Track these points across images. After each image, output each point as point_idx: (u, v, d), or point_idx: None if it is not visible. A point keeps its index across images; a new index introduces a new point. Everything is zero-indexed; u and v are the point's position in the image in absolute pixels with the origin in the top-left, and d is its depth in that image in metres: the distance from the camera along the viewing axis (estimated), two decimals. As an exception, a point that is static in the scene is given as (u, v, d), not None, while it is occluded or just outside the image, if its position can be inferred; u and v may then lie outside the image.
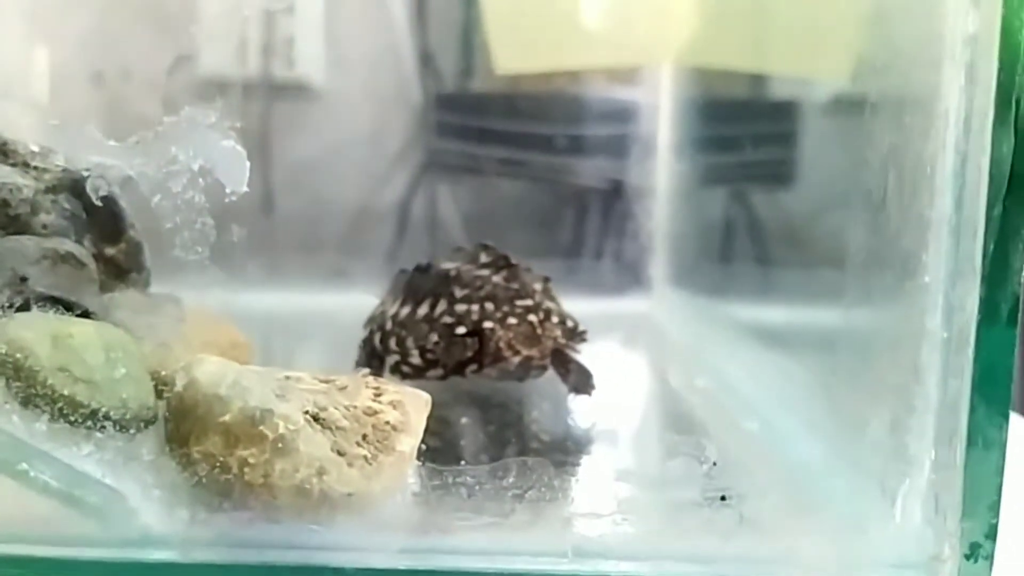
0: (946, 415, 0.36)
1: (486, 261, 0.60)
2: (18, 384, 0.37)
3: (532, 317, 0.56)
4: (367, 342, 0.61)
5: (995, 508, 0.35)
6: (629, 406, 0.64)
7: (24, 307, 0.40)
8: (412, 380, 0.57)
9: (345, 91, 1.07)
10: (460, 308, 0.57)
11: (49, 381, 0.37)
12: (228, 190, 0.39)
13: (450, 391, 0.58)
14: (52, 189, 0.44)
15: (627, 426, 0.59)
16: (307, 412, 0.38)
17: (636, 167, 1.00)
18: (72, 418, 0.38)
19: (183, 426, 0.38)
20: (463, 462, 0.41)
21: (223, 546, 0.37)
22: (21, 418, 0.37)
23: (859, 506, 0.41)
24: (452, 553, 0.38)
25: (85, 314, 0.42)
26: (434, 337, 0.57)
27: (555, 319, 0.57)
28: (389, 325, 0.59)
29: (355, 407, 0.39)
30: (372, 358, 0.60)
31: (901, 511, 0.37)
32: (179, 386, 0.38)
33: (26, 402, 0.37)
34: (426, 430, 0.41)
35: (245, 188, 0.39)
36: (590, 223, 1.06)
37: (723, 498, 0.39)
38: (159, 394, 0.40)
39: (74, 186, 0.44)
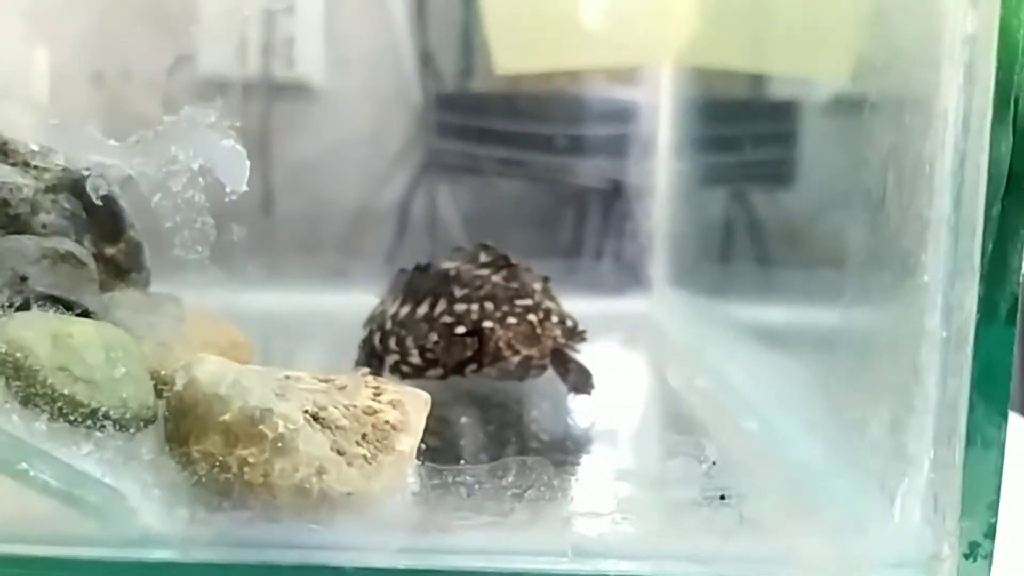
0: (945, 414, 0.36)
1: (486, 261, 0.60)
2: (18, 383, 0.37)
3: (532, 317, 0.56)
4: (367, 342, 0.61)
5: (994, 507, 0.35)
6: (629, 406, 0.64)
7: (24, 306, 0.41)
8: (412, 380, 0.57)
9: (345, 91, 1.07)
10: (460, 308, 0.57)
11: (49, 380, 0.37)
12: (228, 190, 0.39)
13: (450, 391, 0.58)
14: (52, 188, 0.44)
15: (626, 426, 0.59)
16: (307, 411, 0.38)
17: (636, 167, 1.00)
18: (72, 417, 0.38)
19: (183, 425, 0.38)
20: (463, 461, 0.41)
21: (223, 545, 0.37)
22: (21, 417, 0.37)
23: (859, 506, 0.41)
24: (452, 552, 0.38)
25: (85, 313, 0.42)
26: (434, 337, 0.57)
27: (555, 319, 0.57)
28: (389, 325, 0.59)
29: (355, 406, 0.39)
30: (372, 357, 0.60)
31: (900, 510, 0.37)
32: (179, 385, 0.38)
33: (26, 401, 0.37)
34: (426, 429, 0.41)
35: (245, 187, 0.39)
36: (590, 223, 1.06)
37: (722, 497, 0.39)
38: (159, 393, 0.40)
39: (74, 185, 0.44)
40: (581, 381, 0.58)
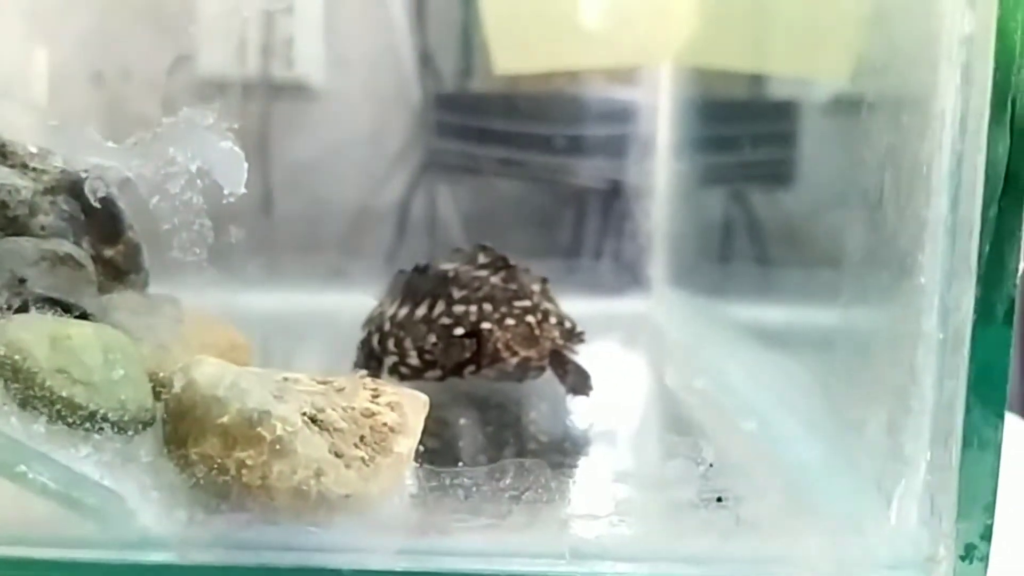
0: (942, 416, 0.36)
1: (484, 262, 0.60)
2: (16, 386, 0.37)
3: (530, 318, 0.56)
4: (365, 343, 0.61)
5: (990, 509, 0.35)
6: (627, 407, 0.64)
7: (22, 308, 0.41)
8: (410, 381, 0.57)
9: (344, 91, 1.07)
10: (458, 309, 0.57)
11: (47, 383, 0.37)
12: (226, 191, 0.39)
13: (448, 392, 0.58)
14: (51, 190, 0.44)
15: (625, 427, 0.59)
16: (305, 414, 0.38)
17: (635, 167, 1.00)
18: (70, 420, 0.38)
19: (181, 428, 0.38)
20: (461, 463, 0.41)
21: (221, 547, 0.37)
22: (19, 420, 0.37)
23: (856, 507, 0.41)
24: (449, 554, 0.38)
25: (83, 315, 0.42)
26: (432, 338, 0.57)
27: (553, 320, 0.57)
28: (387, 326, 0.59)
29: (353, 408, 0.39)
30: (370, 359, 0.60)
31: (897, 512, 0.37)
32: (177, 387, 0.38)
33: (24, 404, 0.37)
34: (424, 431, 0.41)
35: (243, 189, 0.39)
36: (589, 223, 1.06)
37: (719, 499, 0.39)
38: (157, 395, 0.40)
39: (72, 187, 0.44)
40: (579, 382, 0.59)
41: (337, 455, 0.37)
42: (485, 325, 0.56)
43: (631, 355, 0.83)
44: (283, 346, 0.75)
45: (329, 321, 0.78)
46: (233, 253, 0.43)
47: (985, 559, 0.36)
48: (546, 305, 0.58)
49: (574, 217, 1.07)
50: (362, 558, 0.37)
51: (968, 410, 0.35)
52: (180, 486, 0.37)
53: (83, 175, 0.43)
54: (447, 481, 0.40)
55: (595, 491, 0.44)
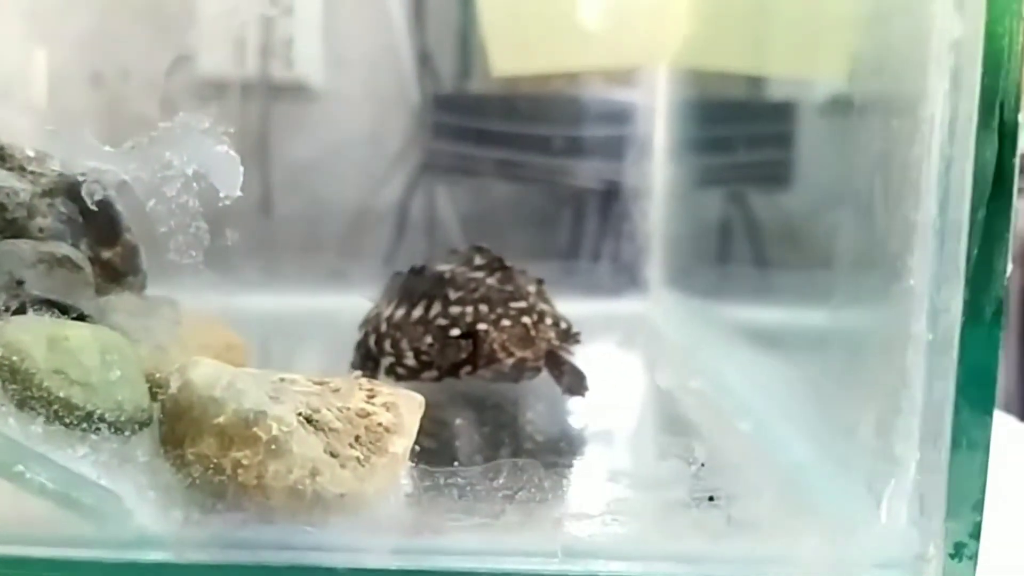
0: (931, 416, 0.36)
1: (480, 263, 0.60)
2: (14, 386, 0.38)
3: (526, 319, 0.57)
4: (362, 344, 0.61)
5: (979, 508, 0.36)
6: (623, 407, 0.64)
7: (20, 310, 0.41)
8: (407, 382, 0.58)
9: (344, 92, 1.07)
10: (454, 310, 0.57)
11: (45, 383, 0.38)
12: (222, 194, 0.40)
13: (445, 392, 0.58)
14: (48, 193, 0.44)
15: (620, 427, 0.60)
16: (300, 414, 0.38)
17: (632, 169, 1.00)
18: (68, 420, 0.38)
19: (178, 428, 0.38)
20: (457, 463, 0.42)
21: (217, 547, 0.37)
22: (17, 420, 0.37)
23: (847, 507, 0.41)
24: (443, 553, 0.38)
25: (81, 317, 0.42)
26: (428, 339, 0.57)
27: (549, 321, 0.58)
28: (384, 327, 0.60)
29: (348, 409, 0.40)
30: (367, 360, 0.60)
31: (887, 511, 0.38)
32: (174, 388, 0.38)
33: (22, 404, 0.37)
34: (421, 431, 0.41)
35: (239, 192, 0.40)
36: (587, 224, 1.06)
37: (711, 499, 0.40)
38: (154, 396, 0.41)
39: (70, 190, 0.44)
40: (575, 383, 0.59)
41: (332, 455, 0.38)
42: (481, 326, 0.56)
43: (628, 356, 0.83)
44: (282, 347, 0.75)
45: (328, 322, 0.78)
46: (232, 254, 0.44)
47: (974, 558, 0.36)
48: (542, 306, 0.58)
49: (572, 218, 1.07)
50: (357, 557, 0.38)
51: (957, 411, 0.35)
52: (176, 486, 0.38)
53: (80, 178, 0.43)
54: (442, 481, 0.40)
55: (588, 490, 0.44)
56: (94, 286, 0.45)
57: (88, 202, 0.43)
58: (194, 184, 0.40)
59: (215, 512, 0.37)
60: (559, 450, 0.54)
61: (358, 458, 0.38)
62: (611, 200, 1.02)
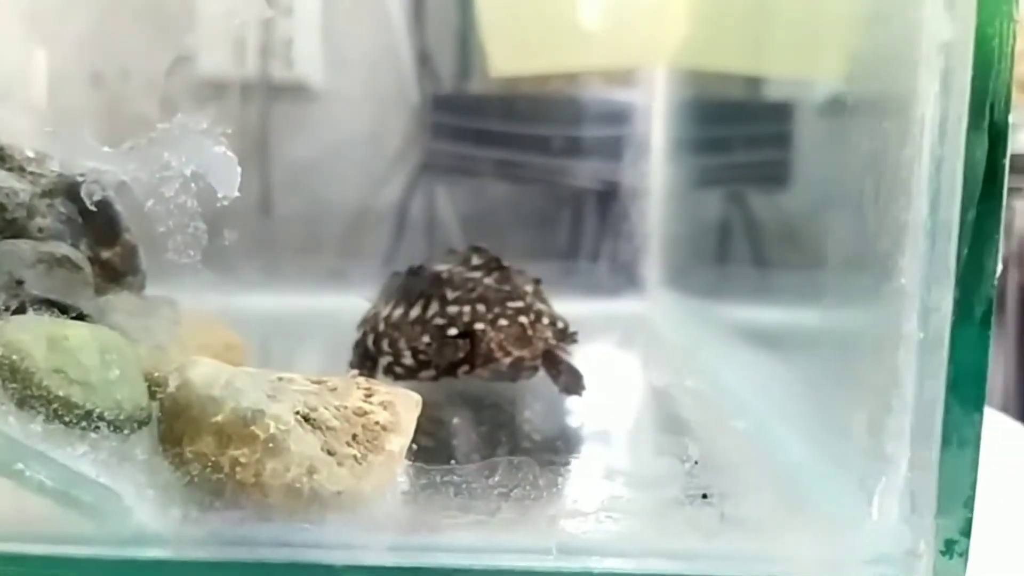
0: (922, 415, 0.36)
1: (478, 263, 0.60)
2: (14, 385, 0.38)
3: (523, 319, 0.57)
4: (360, 343, 0.61)
5: (970, 505, 0.36)
6: (620, 406, 0.64)
7: (20, 310, 0.41)
8: (405, 381, 0.58)
9: (343, 92, 1.08)
10: (452, 310, 0.57)
11: (45, 383, 0.38)
12: (220, 195, 0.40)
13: (442, 391, 0.58)
14: (48, 193, 0.45)
15: (616, 426, 0.60)
16: (298, 413, 0.38)
17: (631, 169, 1.00)
18: (67, 419, 0.38)
19: (176, 426, 0.38)
20: (454, 461, 0.42)
21: (215, 544, 0.38)
22: (17, 419, 0.37)
23: (840, 504, 0.41)
24: (440, 550, 0.38)
25: (80, 317, 0.43)
26: (426, 338, 0.57)
27: (546, 320, 0.58)
28: (382, 327, 0.60)
29: (345, 407, 0.40)
30: (365, 359, 0.60)
31: (878, 508, 0.38)
32: (172, 387, 0.39)
33: (22, 403, 0.38)
34: (418, 430, 0.41)
35: (236, 193, 0.40)
36: (585, 224, 1.06)
37: (704, 496, 0.40)
38: (153, 395, 0.41)
39: (70, 190, 0.45)
40: (572, 382, 0.59)
41: (330, 453, 0.38)
42: (478, 326, 0.56)
43: (625, 355, 0.84)
44: (282, 347, 0.76)
45: (327, 322, 0.78)
46: (232, 254, 0.44)
47: (965, 554, 0.36)
48: (539, 306, 0.59)
49: (570, 218, 1.08)
50: (354, 554, 0.38)
51: (947, 409, 0.36)
52: (175, 484, 0.38)
53: (80, 179, 0.43)
54: (438, 479, 0.40)
55: (584, 488, 0.45)
56: (93, 286, 0.45)
57: (87, 202, 0.43)
58: (192, 184, 0.40)
59: (213, 510, 0.37)
60: (555, 448, 0.54)
61: (355, 456, 0.38)
62: (609, 200, 1.02)
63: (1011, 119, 0.35)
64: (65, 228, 0.45)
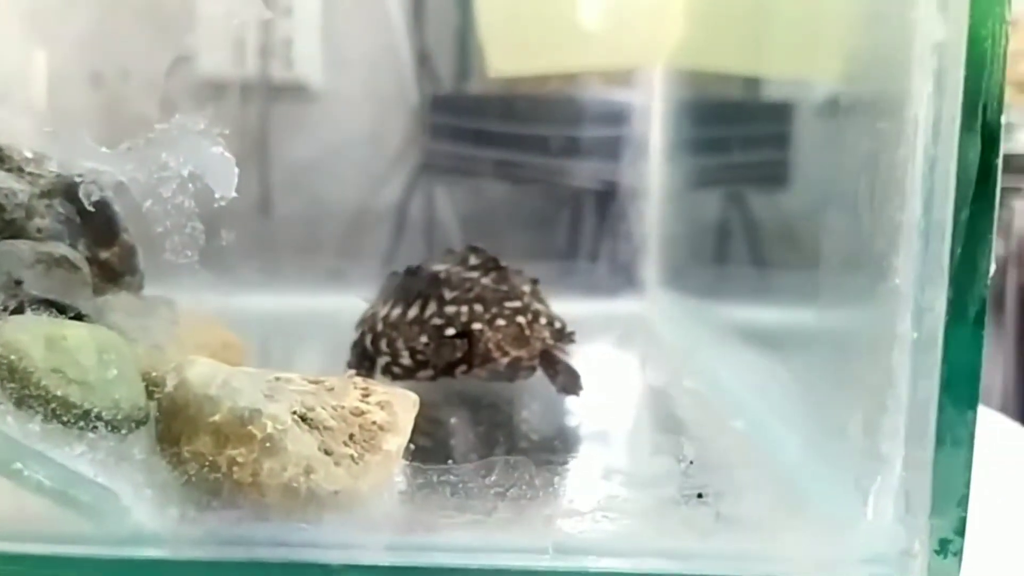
0: (916, 414, 0.37)
1: (475, 263, 0.61)
2: (12, 385, 0.38)
3: (520, 319, 0.57)
4: (358, 343, 0.62)
5: (964, 504, 0.36)
6: (617, 406, 0.64)
7: (19, 310, 0.41)
8: (402, 381, 0.58)
9: (343, 92, 1.08)
10: (449, 310, 0.57)
11: (43, 382, 0.38)
12: (217, 195, 0.40)
13: (440, 391, 0.58)
14: (47, 194, 0.45)
15: (613, 426, 0.60)
16: (295, 412, 0.38)
17: (629, 169, 1.00)
18: (65, 418, 0.38)
19: (174, 426, 0.38)
20: (452, 461, 0.42)
21: (213, 543, 0.38)
22: (16, 419, 0.37)
23: (835, 504, 0.41)
24: (436, 550, 0.38)
25: (79, 317, 0.43)
26: (424, 338, 0.58)
27: (543, 320, 0.58)
28: (380, 327, 0.60)
29: (343, 407, 0.40)
30: (363, 359, 0.61)
31: (873, 508, 0.38)
32: (170, 387, 0.39)
33: (20, 403, 0.38)
34: (416, 430, 0.42)
35: (234, 193, 0.40)
36: (584, 225, 1.06)
37: (700, 495, 0.40)
38: (151, 395, 0.41)
39: (68, 191, 0.45)
40: (570, 382, 0.59)
41: (327, 453, 0.38)
42: (476, 326, 0.57)
43: (623, 355, 0.84)
44: (281, 347, 0.76)
45: (327, 322, 0.78)
46: (231, 254, 0.44)
47: (959, 553, 0.37)
48: (536, 306, 0.59)
49: (569, 218, 1.08)
50: (351, 553, 0.38)
51: (941, 409, 0.36)
52: (173, 483, 0.38)
53: (78, 179, 0.43)
54: (435, 478, 0.41)
55: (580, 488, 0.45)
56: (92, 286, 0.45)
57: (86, 203, 0.44)
58: (190, 185, 0.40)
59: (211, 509, 0.37)
60: (553, 448, 0.54)
61: (352, 456, 0.39)
62: (608, 200, 1.02)
63: (1004, 120, 0.35)
64: (63, 228, 0.45)
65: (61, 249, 0.44)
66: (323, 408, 0.39)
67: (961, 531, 0.36)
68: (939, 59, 0.35)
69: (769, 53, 0.71)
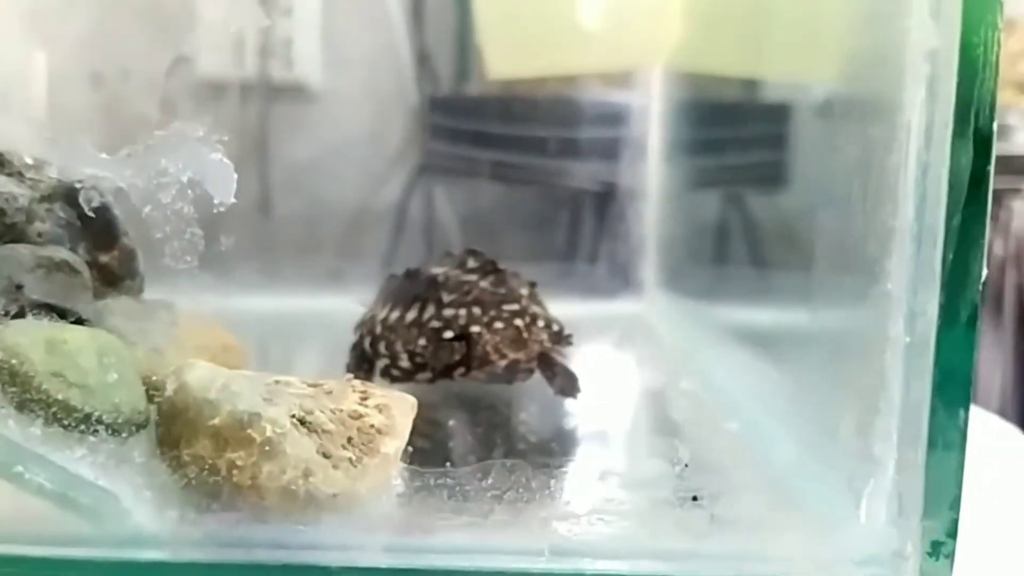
0: (909, 417, 0.37)
1: (473, 266, 0.61)
2: (14, 389, 0.38)
3: (518, 321, 0.57)
4: (357, 346, 0.62)
5: (956, 507, 0.36)
6: (615, 408, 0.64)
7: (20, 314, 0.41)
8: (401, 383, 0.58)
9: (343, 92, 1.08)
10: (448, 313, 0.58)
11: (44, 386, 0.38)
12: (216, 201, 0.40)
13: (439, 394, 0.59)
14: (47, 198, 0.45)
15: (611, 428, 0.60)
16: (294, 416, 0.39)
17: (628, 170, 1.01)
18: (66, 422, 0.38)
19: (174, 429, 0.39)
20: (450, 464, 0.42)
21: (212, 545, 0.38)
22: (17, 422, 0.38)
23: (829, 506, 0.42)
24: (434, 552, 0.39)
25: (79, 320, 0.43)
26: (422, 341, 0.58)
27: (541, 323, 0.58)
28: (379, 329, 0.60)
29: (341, 411, 0.40)
30: (362, 362, 0.61)
31: (866, 511, 0.38)
32: (170, 390, 0.39)
33: (21, 407, 0.38)
34: (415, 432, 0.42)
35: (232, 199, 0.40)
36: (583, 226, 1.07)
37: (695, 498, 0.41)
38: (151, 398, 0.41)
39: (68, 195, 0.45)
40: (567, 384, 0.59)
41: (325, 456, 0.38)
42: (474, 328, 0.57)
43: (622, 357, 0.84)
44: (280, 349, 0.76)
45: (326, 324, 0.78)
46: (230, 255, 0.44)
47: (951, 555, 0.37)
48: (534, 308, 0.59)
49: (568, 219, 1.08)
50: (349, 555, 0.38)
51: (933, 411, 0.36)
52: (172, 486, 0.38)
53: (78, 184, 0.44)
54: (432, 481, 0.41)
55: (576, 490, 0.45)
56: (92, 290, 0.45)
57: (86, 208, 0.44)
58: (189, 191, 0.41)
59: (210, 512, 0.38)
60: (550, 451, 0.55)
61: (350, 459, 0.39)
62: (607, 202, 1.03)
63: (1000, 124, 0.35)
64: (64, 233, 0.45)
65: (61, 253, 0.44)
66: (322, 411, 0.40)
67: (953, 533, 0.37)
68: (932, 66, 0.35)
69: (767, 55, 0.71)
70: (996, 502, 0.52)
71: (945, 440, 0.36)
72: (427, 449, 0.47)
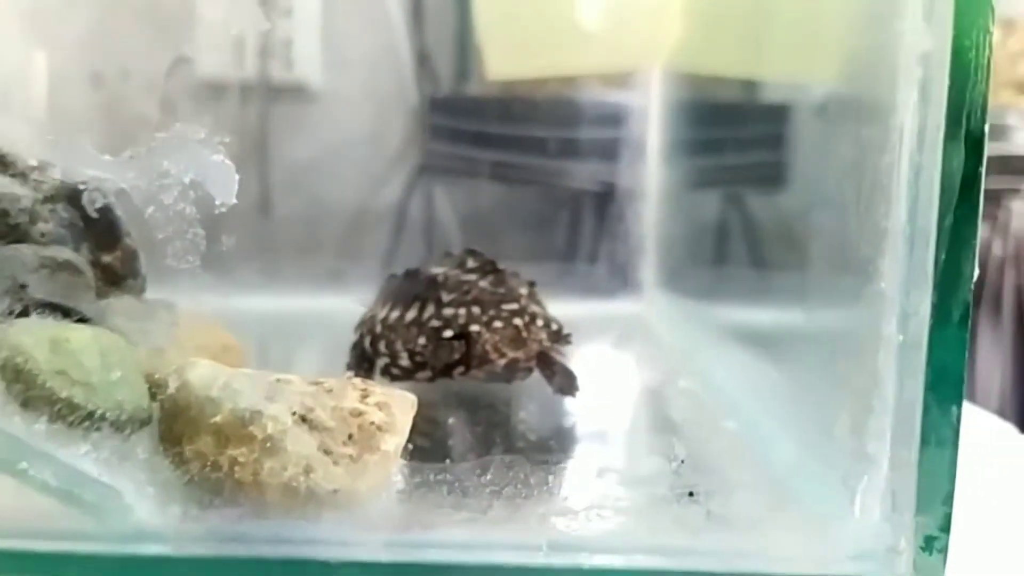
0: (902, 415, 0.37)
1: (473, 266, 0.61)
2: (18, 387, 0.39)
3: (517, 321, 0.58)
4: (357, 345, 0.62)
5: (949, 502, 0.37)
6: (614, 406, 0.65)
7: (24, 313, 0.42)
8: (401, 382, 0.59)
9: (343, 93, 1.08)
10: (447, 312, 0.58)
11: (48, 384, 0.39)
12: (217, 202, 0.41)
13: (438, 392, 0.59)
14: (50, 199, 0.45)
15: (609, 426, 0.61)
16: (295, 413, 0.39)
17: (627, 170, 1.01)
18: (70, 419, 0.39)
19: (176, 427, 0.39)
20: (449, 461, 0.43)
21: (214, 541, 0.39)
22: (22, 419, 0.38)
23: (824, 502, 0.42)
24: (433, 547, 0.39)
25: (82, 320, 0.43)
26: (422, 340, 0.58)
27: (540, 322, 0.59)
28: (379, 329, 0.61)
29: (342, 408, 0.41)
30: (363, 361, 0.61)
31: (860, 506, 0.39)
32: (172, 388, 0.40)
33: (26, 404, 0.38)
34: (415, 430, 0.42)
35: (234, 200, 0.41)
36: (582, 226, 1.07)
37: (691, 494, 0.41)
38: (153, 396, 0.42)
39: (71, 196, 0.45)
40: (566, 383, 0.60)
41: (326, 452, 0.39)
42: (473, 328, 0.57)
43: (620, 356, 0.84)
44: (281, 348, 0.76)
45: (327, 323, 0.78)
46: (231, 256, 0.45)
47: (944, 551, 0.37)
48: (533, 308, 0.60)
49: (568, 220, 1.08)
50: (349, 551, 0.39)
51: (926, 409, 0.37)
52: (175, 482, 0.39)
53: (81, 186, 0.44)
54: (432, 477, 0.41)
55: (574, 487, 0.45)
56: (94, 289, 0.46)
57: (88, 209, 0.44)
58: (191, 192, 0.41)
59: (212, 508, 0.38)
60: (548, 448, 0.55)
61: (351, 456, 0.39)
62: (606, 202, 1.03)
63: (991, 126, 0.36)
64: (67, 233, 0.45)
65: (64, 253, 0.44)
66: (322, 409, 0.40)
67: (946, 528, 0.37)
68: (924, 69, 0.36)
69: (766, 56, 0.72)
70: (994, 501, 0.53)
71: (938, 437, 0.36)
72: (427, 446, 0.48)
